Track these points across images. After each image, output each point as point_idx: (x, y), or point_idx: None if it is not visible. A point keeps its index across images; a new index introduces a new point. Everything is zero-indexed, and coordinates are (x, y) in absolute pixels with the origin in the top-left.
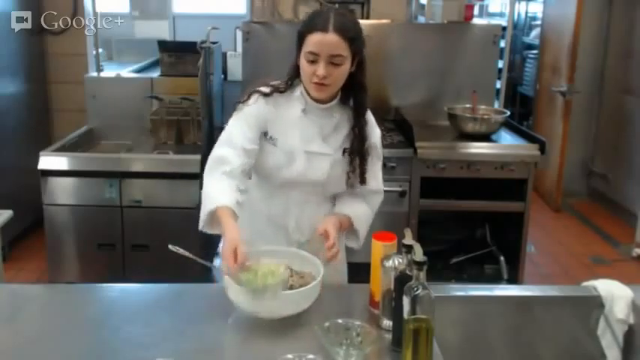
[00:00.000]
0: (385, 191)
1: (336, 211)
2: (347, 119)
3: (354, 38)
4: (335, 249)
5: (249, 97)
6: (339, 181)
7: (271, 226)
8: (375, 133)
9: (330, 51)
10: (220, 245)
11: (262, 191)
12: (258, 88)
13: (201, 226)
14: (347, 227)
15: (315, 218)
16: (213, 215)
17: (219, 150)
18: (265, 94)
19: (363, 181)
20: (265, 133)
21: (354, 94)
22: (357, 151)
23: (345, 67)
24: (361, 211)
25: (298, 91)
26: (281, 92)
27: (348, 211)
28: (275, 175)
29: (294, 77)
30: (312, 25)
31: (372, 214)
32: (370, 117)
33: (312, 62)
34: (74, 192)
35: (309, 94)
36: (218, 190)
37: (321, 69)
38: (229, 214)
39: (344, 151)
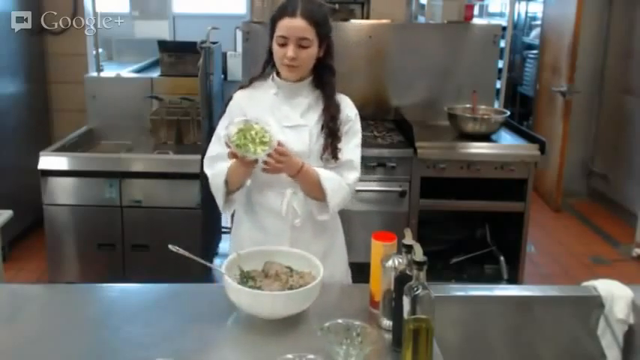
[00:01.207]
0: (385, 191)
1: None
2: (321, 100)
3: (320, 23)
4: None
5: (231, 97)
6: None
7: (265, 211)
8: (349, 111)
9: (298, 34)
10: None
11: (254, 181)
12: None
13: (221, 207)
14: (311, 180)
15: (305, 200)
16: (228, 187)
17: (210, 149)
18: (242, 87)
19: (335, 156)
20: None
21: (323, 77)
22: (330, 129)
23: (312, 50)
24: (332, 176)
25: (270, 78)
26: (256, 80)
27: (317, 169)
28: None
29: (268, 61)
30: (282, 11)
31: (346, 187)
32: (346, 99)
33: (283, 45)
34: (74, 192)
35: (280, 78)
36: (220, 169)
37: (290, 51)
38: None
39: (322, 127)
